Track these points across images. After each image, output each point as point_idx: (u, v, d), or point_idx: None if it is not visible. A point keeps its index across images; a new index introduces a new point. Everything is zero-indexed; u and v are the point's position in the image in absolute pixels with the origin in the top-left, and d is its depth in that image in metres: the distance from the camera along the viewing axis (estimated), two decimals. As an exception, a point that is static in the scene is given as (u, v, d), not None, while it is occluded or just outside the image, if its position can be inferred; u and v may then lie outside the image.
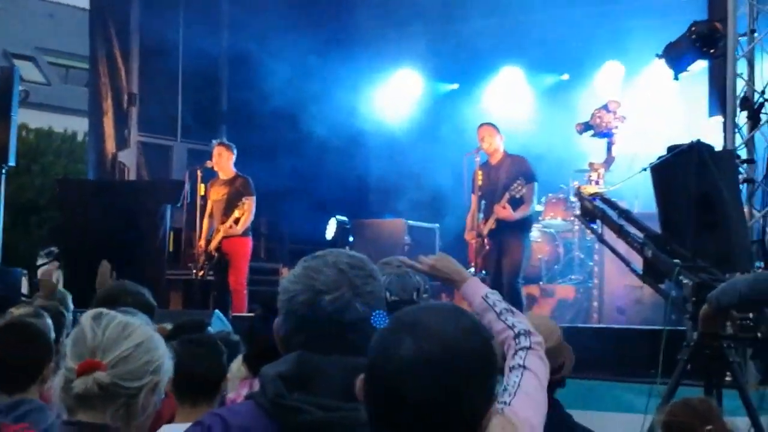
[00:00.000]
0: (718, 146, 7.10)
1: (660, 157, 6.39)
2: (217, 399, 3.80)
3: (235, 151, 11.17)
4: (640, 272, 5.81)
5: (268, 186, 11.92)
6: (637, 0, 12.80)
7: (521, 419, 2.51)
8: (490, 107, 13.99)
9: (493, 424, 1.89)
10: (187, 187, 11.98)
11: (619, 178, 11.30)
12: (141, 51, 14.14)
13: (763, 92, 7.33)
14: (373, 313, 2.33)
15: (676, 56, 7.76)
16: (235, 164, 11.20)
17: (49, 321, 4.76)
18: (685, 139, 6.39)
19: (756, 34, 7.47)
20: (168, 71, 14.25)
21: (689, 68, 7.82)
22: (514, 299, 9.79)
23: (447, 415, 1.80)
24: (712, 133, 7.71)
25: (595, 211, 6.72)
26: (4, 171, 12.03)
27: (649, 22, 12.05)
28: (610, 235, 6.59)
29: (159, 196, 12.49)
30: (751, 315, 4.66)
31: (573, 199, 11.75)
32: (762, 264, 6.94)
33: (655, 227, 6.43)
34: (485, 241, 10.00)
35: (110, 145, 13.87)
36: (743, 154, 7.33)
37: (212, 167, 11.15)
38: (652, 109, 12.85)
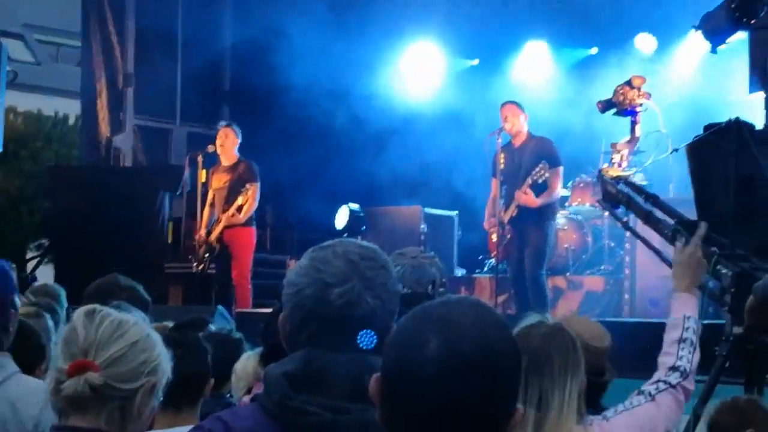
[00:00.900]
0: (759, 125, 7.05)
1: (696, 137, 6.36)
2: (200, 402, 3.78)
3: (240, 136, 11.16)
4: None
5: (274, 172, 11.93)
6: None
7: None
8: (512, 84, 13.95)
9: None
10: (186, 173, 11.99)
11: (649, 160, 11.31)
12: (137, 28, 14.15)
13: (808, 66, 7.28)
14: (359, 334, 2.31)
15: (714, 28, 7.71)
16: (239, 149, 11.20)
17: (50, 322, 4.76)
18: (722, 118, 6.35)
19: (800, 3, 7.42)
20: (166, 49, 14.26)
21: (728, 41, 7.77)
22: (537, 293, 9.77)
23: (475, 418, 1.80)
24: (753, 111, 7.66)
25: (619, 196, 6.69)
26: (-9, 157, 12.08)
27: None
28: (639, 223, 6.56)
29: (157, 183, 12.52)
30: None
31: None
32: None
33: (691, 213, 6.40)
34: (506, 229, 9.98)
35: (104, 129, 13.89)
36: (787, 132, 7.28)
37: (214, 151, 11.12)
38: (686, 85, 12.81)
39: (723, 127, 6.22)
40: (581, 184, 11.99)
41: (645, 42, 13.54)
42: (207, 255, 10.94)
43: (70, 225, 12.39)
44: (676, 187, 11.48)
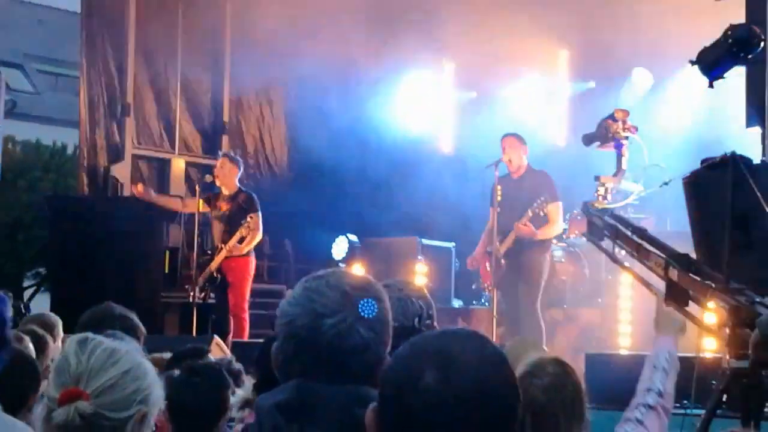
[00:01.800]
0: (757, 159, 7.06)
1: (693, 171, 6.36)
2: None
3: (241, 166, 11.19)
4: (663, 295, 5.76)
5: (271, 202, 11.92)
6: (667, 4, 12.78)
7: None
8: (511, 116, 13.99)
9: None
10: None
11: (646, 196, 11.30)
12: (136, 57, 14.17)
13: (804, 100, 7.30)
14: (361, 302, 2.30)
15: (711, 62, 7.72)
16: (238, 178, 11.19)
17: (31, 345, 4.75)
18: (719, 152, 6.35)
19: (797, 38, 7.43)
20: (165, 79, 14.28)
21: (725, 75, 7.78)
22: (532, 326, 9.74)
23: None
24: (750, 145, 7.67)
25: (605, 228, 6.70)
26: (-12, 186, 12.07)
27: (680, 26, 12.04)
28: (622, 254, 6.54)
29: (155, 213, 12.48)
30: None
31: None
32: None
33: (689, 247, 6.39)
34: (501, 262, 9.93)
35: (102, 159, 13.88)
36: (784, 167, 7.28)
37: (213, 181, 11.12)
38: (682, 119, 12.86)
39: (719, 160, 6.21)
40: (578, 217, 11.97)
41: (641, 76, 13.61)
42: (207, 285, 10.91)
43: (67, 254, 12.35)
44: (673, 220, 11.49)
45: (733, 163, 6.15)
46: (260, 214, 10.91)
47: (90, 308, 4.75)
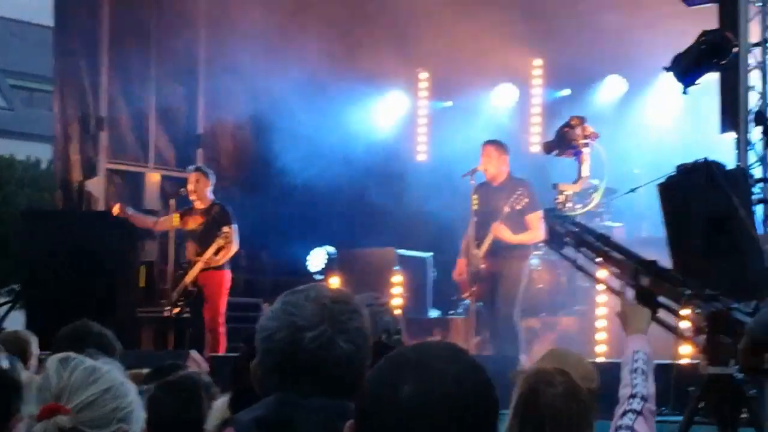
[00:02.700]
0: (731, 164, 7.10)
1: (668, 177, 6.40)
2: None
3: (212, 178, 11.14)
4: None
5: (248, 214, 11.89)
6: (640, 10, 12.84)
7: None
8: (486, 124, 14.02)
9: None
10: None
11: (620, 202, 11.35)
12: (110, 71, 14.13)
13: (777, 106, 7.35)
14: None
15: (685, 68, 7.77)
16: (213, 191, 11.17)
17: (19, 365, 4.71)
18: (695, 158, 6.39)
19: (769, 44, 7.50)
20: (139, 93, 14.24)
21: (699, 81, 7.84)
22: (510, 335, 9.70)
23: None
24: (726, 151, 7.71)
25: (568, 236, 6.73)
26: (-38, 203, 12.00)
27: (654, 33, 12.12)
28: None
29: (129, 227, 12.44)
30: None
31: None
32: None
33: (664, 253, 6.44)
34: (481, 267, 9.85)
35: (77, 174, 13.82)
36: (757, 172, 7.34)
37: (188, 195, 11.10)
38: (657, 126, 12.93)
39: (693, 166, 6.26)
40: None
41: (615, 83, 13.68)
42: (182, 299, 10.87)
43: (41, 270, 12.28)
44: (649, 226, 11.54)
45: (707, 168, 6.20)
46: (235, 226, 10.88)
47: (66, 325, 4.73)
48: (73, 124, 13.82)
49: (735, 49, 7.45)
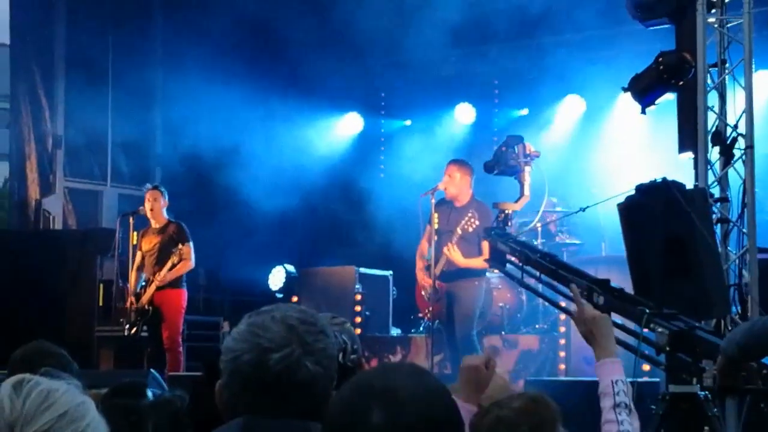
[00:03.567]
0: (691, 184, 7.13)
1: (627, 197, 6.42)
2: None
3: (166, 197, 11.05)
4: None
5: (206, 233, 11.83)
6: (599, 31, 12.94)
7: None
8: (445, 145, 14.05)
9: None
10: (118, 235, 11.85)
11: (580, 221, 11.39)
12: (66, 89, 14.04)
13: (735, 126, 7.39)
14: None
15: (643, 89, 7.81)
16: (172, 209, 11.09)
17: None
18: (655, 177, 6.41)
19: (727, 65, 7.54)
20: (97, 110, 14.15)
21: (657, 102, 7.88)
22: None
23: None
24: (688, 170, 7.75)
25: (513, 254, 6.75)
26: None
27: (611, 54, 12.22)
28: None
29: (88, 246, 12.34)
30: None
31: (536, 241, 11.77)
32: (740, 309, 6.97)
33: (625, 272, 6.46)
34: (437, 286, 9.83)
35: (33, 192, 13.72)
36: (716, 192, 7.37)
37: (145, 214, 11.01)
38: (617, 146, 13.01)
39: (652, 186, 6.28)
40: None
41: (573, 104, 13.76)
42: (139, 318, 10.78)
43: (-1, 289, 12.16)
44: (609, 246, 11.60)
45: (665, 188, 6.23)
46: (191, 244, 10.81)
47: (21, 346, 4.67)
48: (30, 142, 13.71)
49: (692, 70, 7.49)
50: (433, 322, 10.12)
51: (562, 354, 10.90)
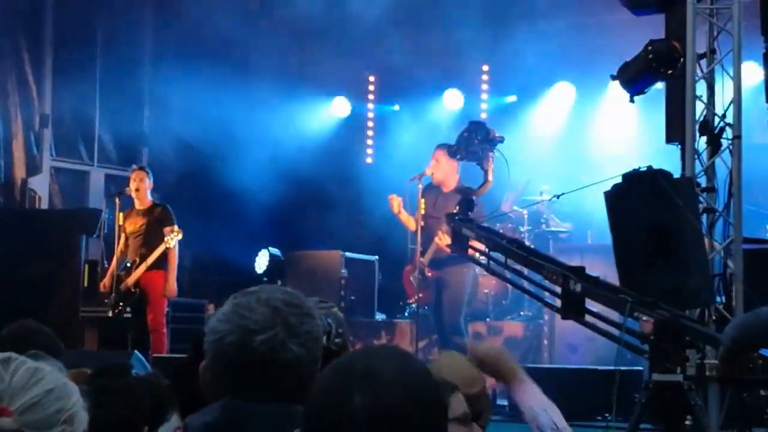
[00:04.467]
0: (678, 173, 7.15)
1: (614, 185, 6.43)
2: None
3: (152, 178, 11.00)
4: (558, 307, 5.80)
5: (192, 214, 11.81)
6: (589, 18, 12.94)
7: None
8: (433, 129, 14.05)
9: None
10: (104, 216, 11.83)
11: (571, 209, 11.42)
12: (54, 68, 13.99)
13: (723, 116, 7.40)
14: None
15: (632, 77, 7.82)
16: (158, 191, 11.06)
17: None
18: (644, 165, 6.43)
19: (716, 55, 7.55)
20: (84, 90, 14.10)
21: (646, 90, 7.88)
22: (456, 340, 9.73)
23: None
24: (676, 159, 7.76)
25: (479, 239, 6.75)
26: None
27: (602, 41, 12.22)
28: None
29: (74, 226, 12.30)
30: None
31: (522, 229, 11.79)
32: (725, 299, 7.00)
33: (611, 260, 6.48)
34: (426, 272, 9.87)
35: (20, 171, 13.67)
36: (703, 181, 7.39)
37: (130, 194, 10.97)
38: (608, 133, 13.03)
39: (638, 175, 6.29)
40: (501, 230, 12.05)
41: (563, 90, 13.75)
42: (124, 300, 10.76)
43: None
44: (595, 234, 11.63)
45: (651, 177, 6.24)
46: (176, 227, 10.77)
47: (6, 325, 4.67)
48: (17, 122, 13.66)
49: (681, 59, 7.50)
50: (419, 307, 10.16)
51: (546, 341, 10.95)
